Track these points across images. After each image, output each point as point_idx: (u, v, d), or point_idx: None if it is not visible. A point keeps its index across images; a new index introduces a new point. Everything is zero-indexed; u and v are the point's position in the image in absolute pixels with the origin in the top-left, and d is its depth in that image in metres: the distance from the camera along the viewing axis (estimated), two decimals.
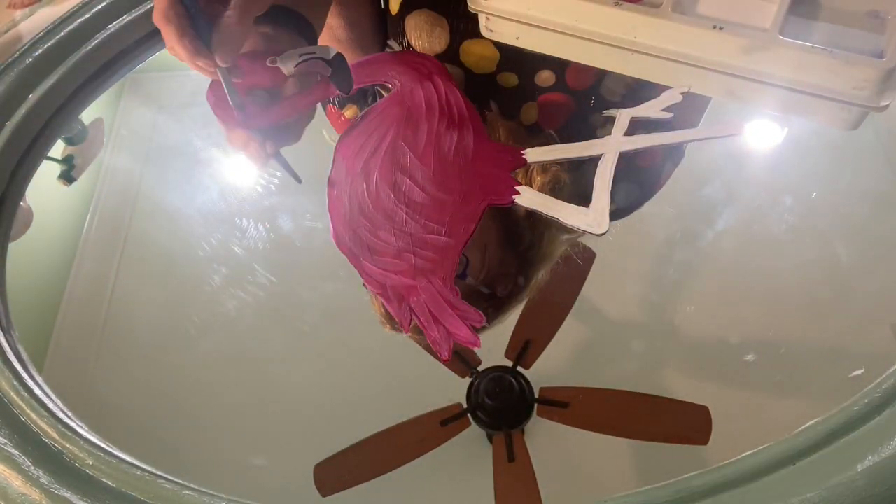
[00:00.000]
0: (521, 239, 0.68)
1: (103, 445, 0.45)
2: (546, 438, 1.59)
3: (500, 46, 0.67)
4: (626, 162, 0.54)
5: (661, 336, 1.76)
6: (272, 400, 1.75)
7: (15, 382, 0.48)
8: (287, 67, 0.52)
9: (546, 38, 0.58)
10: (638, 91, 0.67)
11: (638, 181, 0.76)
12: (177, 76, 1.92)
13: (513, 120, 0.72)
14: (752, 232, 1.72)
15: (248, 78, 0.52)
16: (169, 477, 0.43)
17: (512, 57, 0.68)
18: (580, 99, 0.71)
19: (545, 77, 0.69)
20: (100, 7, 0.70)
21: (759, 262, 1.71)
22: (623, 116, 0.56)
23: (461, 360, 1.44)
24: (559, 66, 0.69)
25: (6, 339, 0.53)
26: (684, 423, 1.34)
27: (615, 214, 0.75)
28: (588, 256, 1.25)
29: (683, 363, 1.70)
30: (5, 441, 0.44)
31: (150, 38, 0.73)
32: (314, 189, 0.59)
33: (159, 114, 2.11)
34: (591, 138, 0.55)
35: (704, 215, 1.73)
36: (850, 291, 1.67)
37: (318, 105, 0.68)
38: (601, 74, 0.70)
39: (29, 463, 0.43)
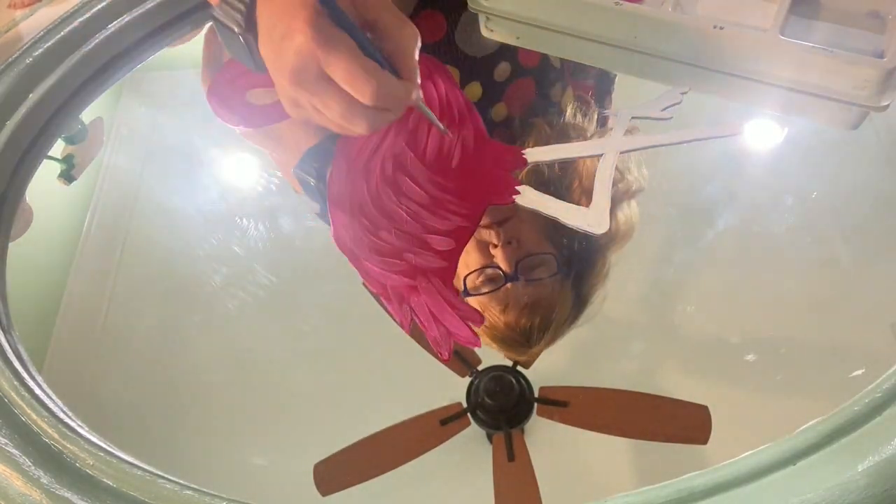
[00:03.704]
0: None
1: (103, 445, 0.45)
2: (546, 438, 1.59)
3: (457, 64, 0.66)
4: None
5: (661, 336, 1.75)
6: (272, 400, 1.75)
7: (15, 382, 0.48)
8: None
9: (546, 38, 0.58)
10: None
11: None
12: (177, 75, 1.91)
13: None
14: (753, 232, 1.72)
15: (246, 80, 0.52)
16: (169, 477, 0.43)
17: (468, 67, 0.67)
18: (537, 74, 0.71)
19: (503, 69, 0.68)
20: (100, 7, 0.70)
21: (760, 262, 1.71)
22: (623, 116, 0.56)
23: (461, 359, 1.44)
24: (510, 52, 0.68)
25: (6, 339, 0.53)
26: (684, 423, 1.34)
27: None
28: None
29: (683, 363, 1.70)
30: (5, 441, 0.44)
31: (150, 38, 0.73)
32: None
33: (159, 113, 2.11)
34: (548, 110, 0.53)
35: (704, 215, 1.72)
36: (850, 291, 1.67)
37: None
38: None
39: (29, 463, 0.43)
